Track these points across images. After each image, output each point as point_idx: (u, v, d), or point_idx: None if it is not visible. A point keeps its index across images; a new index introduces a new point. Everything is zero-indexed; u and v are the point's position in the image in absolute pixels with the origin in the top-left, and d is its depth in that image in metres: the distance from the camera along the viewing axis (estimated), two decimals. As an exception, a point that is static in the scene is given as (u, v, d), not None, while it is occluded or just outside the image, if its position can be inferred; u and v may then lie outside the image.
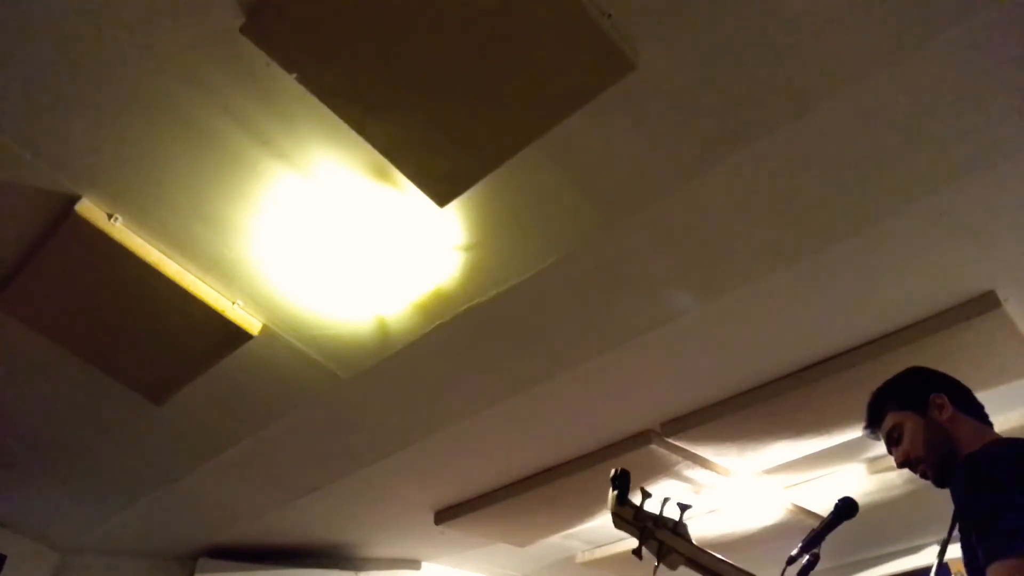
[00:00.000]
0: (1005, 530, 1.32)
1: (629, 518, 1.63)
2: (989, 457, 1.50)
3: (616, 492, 1.65)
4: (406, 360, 2.79)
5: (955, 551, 1.53)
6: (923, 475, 1.64)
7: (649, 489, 1.68)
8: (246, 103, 1.99)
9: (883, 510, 3.90)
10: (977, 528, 1.38)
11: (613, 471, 1.67)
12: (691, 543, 1.61)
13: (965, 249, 2.40)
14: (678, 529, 1.63)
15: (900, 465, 1.67)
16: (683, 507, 1.64)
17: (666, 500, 1.65)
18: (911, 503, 3.88)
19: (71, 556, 4.30)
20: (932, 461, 1.61)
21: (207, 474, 3.52)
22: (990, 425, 1.65)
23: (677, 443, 3.37)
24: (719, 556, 1.60)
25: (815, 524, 1.82)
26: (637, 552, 1.63)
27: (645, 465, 3.45)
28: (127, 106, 2.02)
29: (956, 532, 1.49)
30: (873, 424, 1.73)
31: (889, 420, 1.68)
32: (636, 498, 1.67)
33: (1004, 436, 1.60)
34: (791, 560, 1.79)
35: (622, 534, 1.70)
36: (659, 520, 1.63)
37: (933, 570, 1.69)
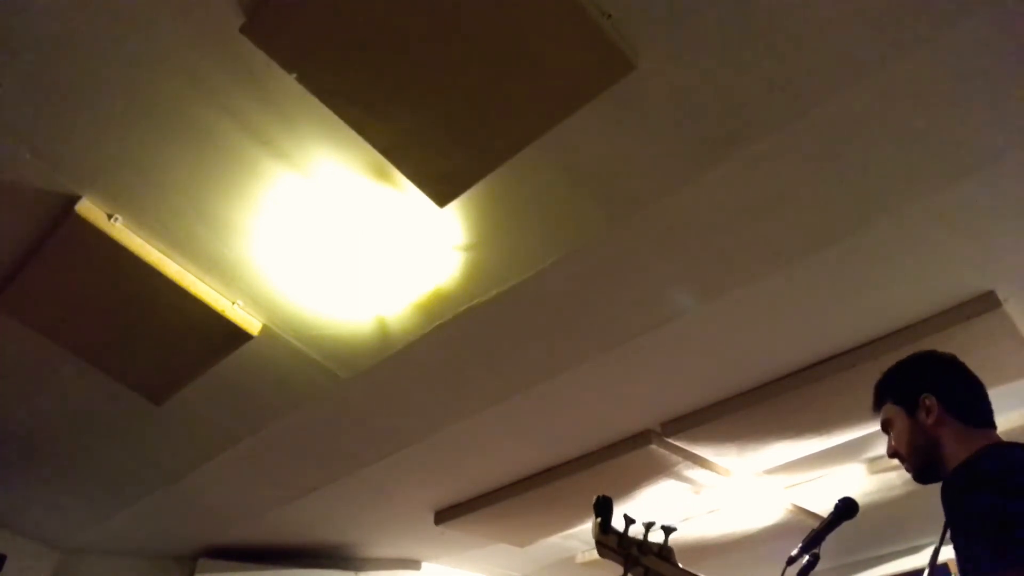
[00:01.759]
0: (997, 540, 1.30)
1: (613, 546, 1.62)
2: (986, 464, 1.47)
3: (599, 520, 1.63)
4: (406, 360, 2.79)
5: (948, 552, 1.53)
6: (908, 471, 1.66)
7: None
8: (246, 103, 1.99)
9: (883, 510, 3.90)
10: (983, 534, 1.35)
11: (596, 498, 1.66)
12: (677, 567, 1.60)
13: (965, 249, 2.40)
14: (663, 553, 1.61)
15: (889, 455, 1.69)
16: (668, 530, 1.63)
17: (650, 525, 1.63)
18: (911, 503, 3.87)
19: (71, 556, 4.30)
20: (914, 463, 1.62)
21: (207, 474, 3.52)
22: (992, 427, 1.60)
23: (677, 443, 3.37)
24: None
25: (815, 524, 1.82)
26: None
27: (645, 465, 3.45)
28: (127, 106, 2.02)
29: (948, 537, 1.48)
30: (875, 408, 1.74)
31: (884, 411, 1.69)
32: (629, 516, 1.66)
33: (998, 441, 1.58)
34: (791, 560, 1.79)
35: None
36: (644, 546, 1.61)
37: (926, 573, 1.68)
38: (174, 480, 3.59)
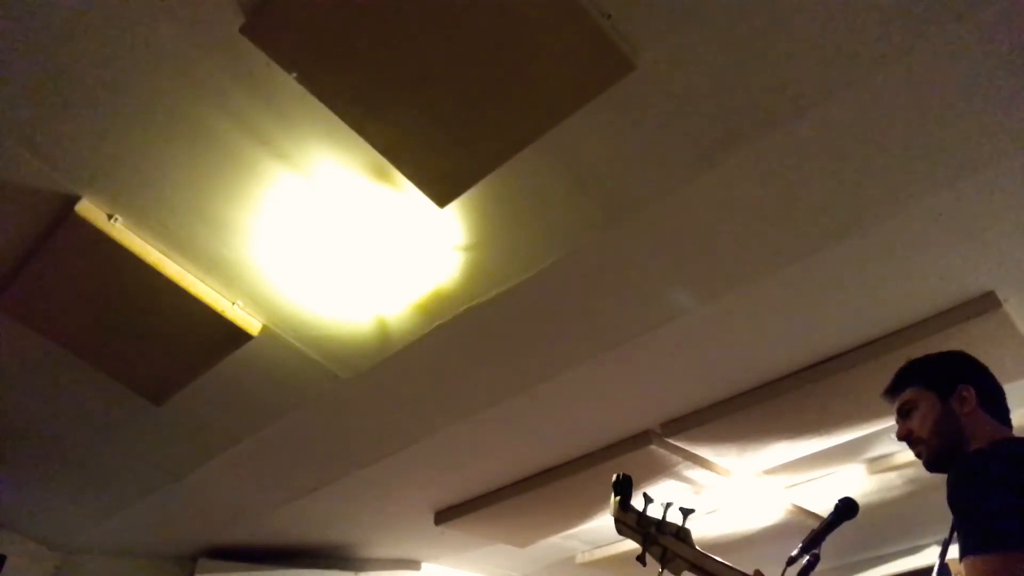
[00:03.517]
0: (984, 525, 1.33)
1: (632, 524, 1.63)
2: (989, 455, 1.50)
3: (618, 498, 1.64)
4: (406, 360, 2.79)
5: (955, 551, 1.53)
6: (918, 455, 1.65)
7: (649, 490, 1.68)
8: (246, 103, 1.99)
9: (883, 510, 3.90)
10: (960, 520, 1.40)
11: (615, 476, 1.67)
12: (694, 548, 1.61)
13: (965, 249, 2.40)
14: (681, 534, 1.62)
15: (899, 438, 1.68)
16: (686, 512, 1.64)
17: (668, 505, 1.64)
18: (911, 503, 3.87)
19: (71, 556, 4.30)
20: (933, 446, 1.61)
21: (207, 474, 3.52)
22: (1010, 427, 1.64)
23: (677, 443, 3.37)
24: (723, 561, 1.60)
25: (815, 524, 1.82)
26: (640, 558, 1.62)
27: (645, 466, 3.45)
28: (127, 106, 2.02)
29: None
30: (892, 391, 1.73)
31: (908, 393, 1.68)
32: (639, 503, 1.67)
33: (1013, 437, 1.60)
34: (791, 561, 1.78)
35: (622, 534, 1.69)
36: (662, 525, 1.62)
37: (935, 570, 1.69)
38: (174, 480, 3.59)
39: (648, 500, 1.64)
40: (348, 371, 2.87)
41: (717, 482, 3.69)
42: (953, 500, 1.44)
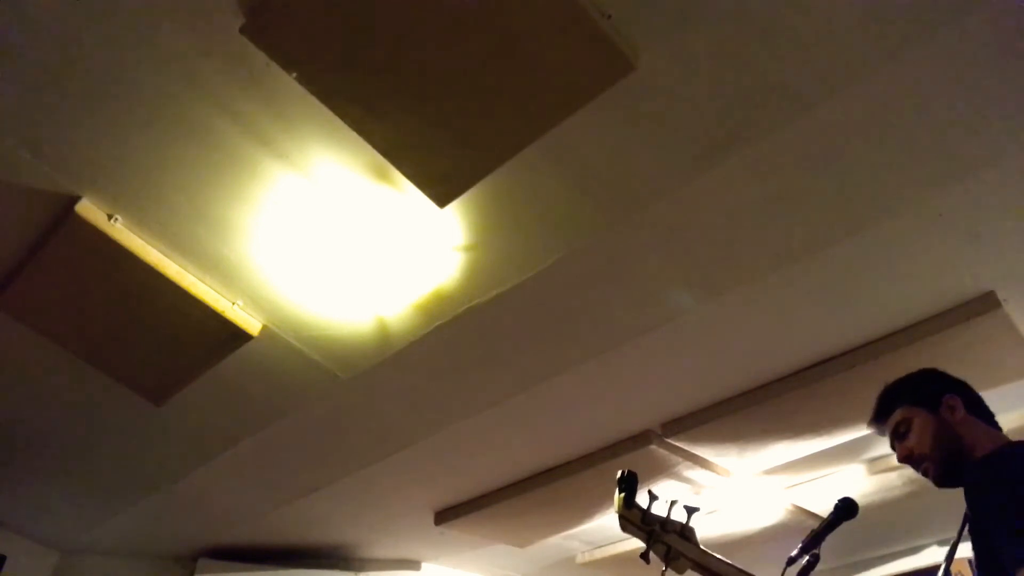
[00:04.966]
0: None
1: (636, 521, 1.63)
2: (1009, 458, 1.50)
3: (623, 494, 1.64)
4: (406, 360, 2.79)
5: (962, 551, 1.53)
6: (924, 473, 1.65)
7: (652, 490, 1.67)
8: (246, 103, 1.99)
9: (883, 510, 3.90)
10: (1003, 528, 1.37)
11: (620, 472, 1.66)
12: (699, 547, 1.61)
13: (965, 249, 2.40)
14: (685, 532, 1.62)
15: (902, 460, 1.68)
16: (690, 510, 1.64)
17: (673, 503, 1.64)
18: (911, 503, 3.87)
19: (71, 556, 4.30)
20: (937, 459, 1.61)
21: (207, 474, 3.52)
22: (999, 429, 1.66)
23: (677, 444, 3.37)
24: (726, 560, 1.60)
25: (815, 524, 1.82)
26: (644, 556, 1.62)
27: (645, 466, 3.45)
28: (127, 106, 2.02)
29: (965, 533, 1.49)
30: (880, 416, 1.73)
31: (898, 414, 1.69)
32: (643, 500, 1.67)
33: (1013, 439, 1.60)
34: (791, 561, 1.78)
35: (621, 534, 1.69)
36: (666, 523, 1.62)
37: (941, 571, 1.69)
38: (174, 480, 3.59)
39: (653, 497, 1.64)
40: (348, 371, 2.87)
41: (717, 482, 3.69)
42: (982, 508, 1.42)
